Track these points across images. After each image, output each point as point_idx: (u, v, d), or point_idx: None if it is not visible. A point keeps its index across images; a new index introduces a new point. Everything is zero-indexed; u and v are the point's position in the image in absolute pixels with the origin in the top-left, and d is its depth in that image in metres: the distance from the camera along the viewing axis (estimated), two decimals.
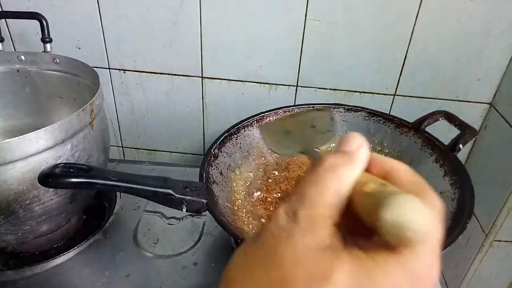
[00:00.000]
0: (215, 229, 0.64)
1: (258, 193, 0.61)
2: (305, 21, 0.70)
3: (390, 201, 0.17)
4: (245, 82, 0.78)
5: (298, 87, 0.77)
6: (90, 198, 0.65)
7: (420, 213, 0.17)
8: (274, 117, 0.67)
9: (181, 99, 0.81)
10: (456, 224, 0.47)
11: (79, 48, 0.78)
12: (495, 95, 0.74)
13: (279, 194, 0.61)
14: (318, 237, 0.19)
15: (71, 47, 0.77)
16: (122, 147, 0.91)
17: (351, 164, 0.21)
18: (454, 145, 0.56)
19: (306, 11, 0.69)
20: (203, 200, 0.48)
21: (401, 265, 0.18)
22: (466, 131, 0.56)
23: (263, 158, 0.66)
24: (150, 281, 0.56)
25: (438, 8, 0.66)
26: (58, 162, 0.51)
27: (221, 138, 0.61)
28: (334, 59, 0.73)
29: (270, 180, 0.63)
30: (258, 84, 0.78)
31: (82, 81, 0.67)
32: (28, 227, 0.54)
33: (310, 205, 0.19)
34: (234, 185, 0.60)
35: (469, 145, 0.79)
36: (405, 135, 0.63)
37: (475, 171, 0.75)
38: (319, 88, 0.77)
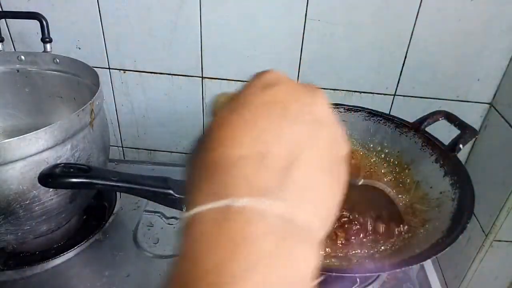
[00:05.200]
0: None
1: None
2: (305, 21, 0.70)
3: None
4: (245, 82, 0.77)
5: None
6: (90, 198, 0.65)
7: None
8: None
9: (181, 99, 0.81)
10: (456, 224, 0.47)
11: (79, 48, 0.78)
12: (495, 95, 0.74)
13: None
14: None
15: (71, 47, 0.77)
16: (122, 147, 0.91)
17: None
18: (454, 145, 0.56)
19: (306, 11, 0.69)
20: None
21: None
22: (466, 131, 0.56)
23: None
24: (150, 281, 0.56)
25: (438, 8, 0.66)
26: (58, 162, 0.51)
27: None
28: (334, 59, 0.73)
29: None
30: None
31: (82, 81, 0.67)
32: (28, 227, 0.54)
33: None
34: None
35: (469, 145, 0.79)
36: (405, 135, 0.63)
37: (475, 171, 0.75)
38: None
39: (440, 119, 0.61)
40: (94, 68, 0.63)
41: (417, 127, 0.62)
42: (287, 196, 0.18)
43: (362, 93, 0.77)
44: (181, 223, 0.19)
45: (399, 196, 0.59)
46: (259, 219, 0.17)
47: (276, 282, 0.16)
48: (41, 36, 0.67)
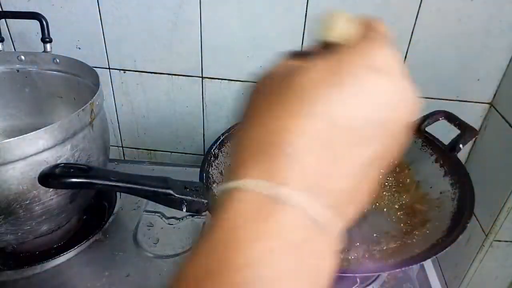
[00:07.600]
0: None
1: None
2: (305, 21, 0.70)
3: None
4: (245, 82, 0.77)
5: None
6: (90, 198, 0.65)
7: (343, 21, 0.23)
8: None
9: (181, 99, 0.81)
10: (456, 224, 0.47)
11: (79, 48, 0.77)
12: (495, 95, 0.74)
13: None
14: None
15: (71, 47, 0.77)
16: (122, 147, 0.91)
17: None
18: (454, 145, 0.56)
19: (306, 11, 0.69)
20: (203, 200, 0.48)
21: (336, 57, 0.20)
22: (466, 131, 0.56)
23: None
24: (150, 281, 0.56)
25: (438, 8, 0.66)
26: (58, 162, 0.51)
27: (221, 138, 0.61)
28: None
29: None
30: None
31: (82, 81, 0.67)
32: (28, 227, 0.54)
33: None
34: None
35: (469, 145, 0.79)
36: None
37: (475, 171, 0.75)
38: None
39: (440, 119, 0.61)
40: (94, 68, 0.63)
41: (417, 127, 0.62)
42: (329, 196, 0.17)
43: None
44: (218, 192, 0.17)
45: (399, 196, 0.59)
46: (296, 215, 0.16)
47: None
48: (41, 36, 0.67)
